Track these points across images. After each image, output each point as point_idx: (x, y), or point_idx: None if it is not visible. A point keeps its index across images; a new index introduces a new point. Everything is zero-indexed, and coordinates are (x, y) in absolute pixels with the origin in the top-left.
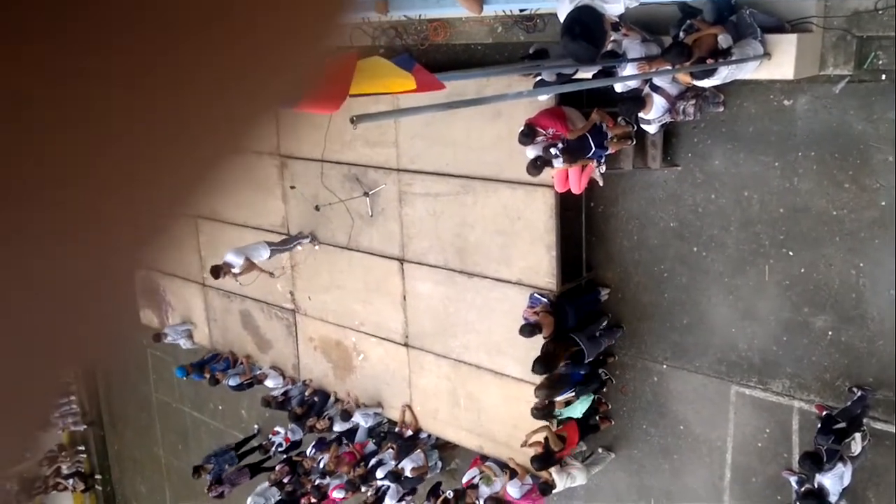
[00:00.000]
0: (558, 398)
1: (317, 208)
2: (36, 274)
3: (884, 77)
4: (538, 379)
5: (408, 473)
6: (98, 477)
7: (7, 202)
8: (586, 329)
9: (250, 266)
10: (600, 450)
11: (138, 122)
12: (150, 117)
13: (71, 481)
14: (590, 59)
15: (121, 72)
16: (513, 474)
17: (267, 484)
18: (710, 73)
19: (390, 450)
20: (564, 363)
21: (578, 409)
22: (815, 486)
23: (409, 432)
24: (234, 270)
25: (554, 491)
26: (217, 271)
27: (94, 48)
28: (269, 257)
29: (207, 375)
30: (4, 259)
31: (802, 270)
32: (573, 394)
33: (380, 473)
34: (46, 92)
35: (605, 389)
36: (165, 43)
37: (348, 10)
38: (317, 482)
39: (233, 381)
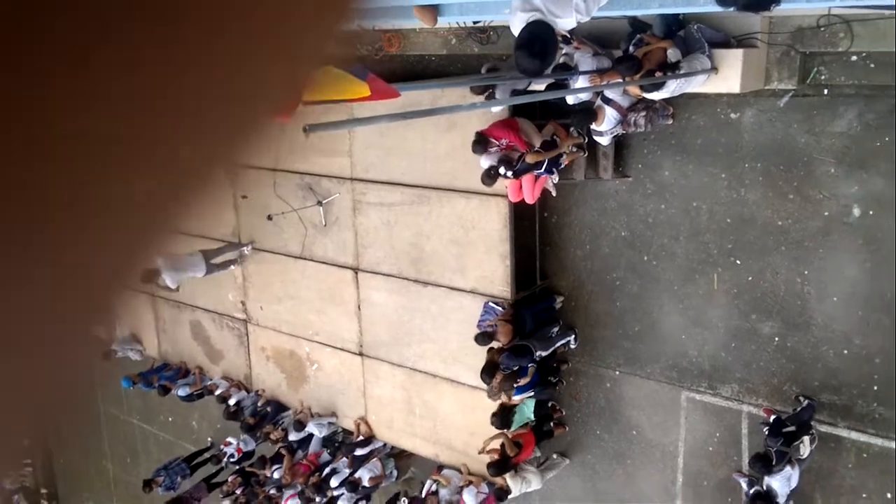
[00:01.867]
0: (516, 397)
1: (269, 218)
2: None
3: (826, 91)
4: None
5: (365, 483)
6: (44, 492)
7: None
8: (537, 334)
9: (179, 288)
10: (555, 455)
11: (126, 133)
12: (137, 126)
13: (15, 497)
14: (538, 74)
15: (109, 80)
16: (470, 477)
17: (220, 495)
18: (659, 85)
19: (345, 459)
20: (503, 354)
21: (528, 409)
22: (764, 488)
23: (360, 438)
24: (166, 284)
25: (510, 496)
26: (149, 276)
27: (83, 61)
28: (205, 275)
29: (157, 384)
30: None
31: (750, 279)
32: (531, 393)
33: (334, 482)
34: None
35: (556, 391)
36: (165, 45)
37: (351, 17)
38: (270, 492)
39: (182, 392)
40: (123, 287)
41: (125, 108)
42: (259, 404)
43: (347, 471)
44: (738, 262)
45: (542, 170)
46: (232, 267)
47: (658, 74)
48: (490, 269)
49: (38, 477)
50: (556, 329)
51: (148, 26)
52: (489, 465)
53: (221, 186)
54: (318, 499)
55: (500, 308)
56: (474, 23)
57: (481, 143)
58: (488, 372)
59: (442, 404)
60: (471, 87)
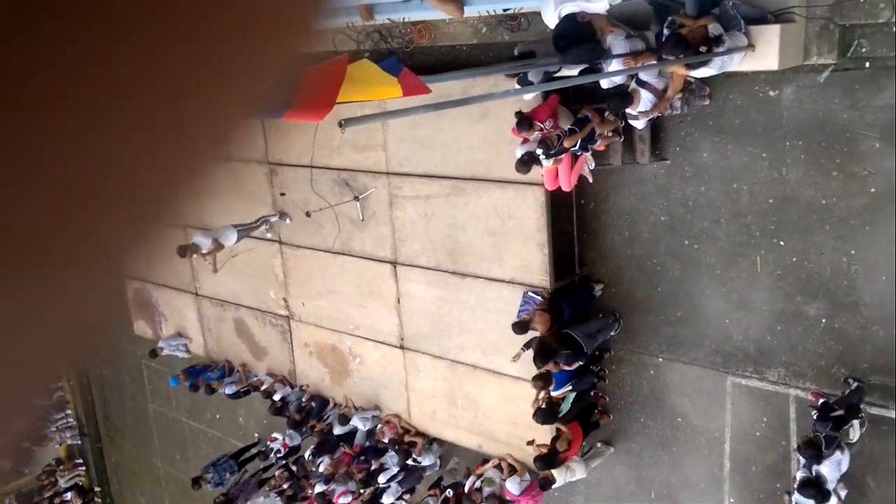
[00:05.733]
0: (556, 392)
1: (308, 214)
2: (22, 280)
3: (867, 64)
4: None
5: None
6: (97, 489)
7: None
8: (582, 326)
9: (218, 247)
10: (599, 444)
11: (118, 127)
12: (129, 123)
13: (69, 495)
14: (591, 58)
15: (101, 76)
16: (511, 471)
17: (267, 489)
18: (705, 63)
19: (393, 454)
20: (564, 352)
21: (569, 400)
22: (813, 474)
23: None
24: (202, 251)
25: (554, 486)
26: (184, 251)
27: (76, 52)
28: (237, 241)
29: (201, 387)
30: None
31: (794, 260)
32: (570, 388)
33: (382, 479)
34: (30, 95)
35: (601, 382)
36: (141, 47)
37: (323, 16)
38: (319, 489)
39: (229, 390)
40: (123, 272)
41: (107, 109)
42: (304, 399)
43: (396, 468)
44: (781, 243)
45: (577, 147)
46: (264, 227)
47: (702, 48)
48: (528, 258)
49: (92, 475)
50: (598, 324)
51: (124, 27)
52: (536, 459)
53: (210, 177)
54: (364, 491)
55: (539, 297)
56: (504, 10)
57: (525, 121)
58: (541, 356)
59: (483, 395)
60: (506, 74)
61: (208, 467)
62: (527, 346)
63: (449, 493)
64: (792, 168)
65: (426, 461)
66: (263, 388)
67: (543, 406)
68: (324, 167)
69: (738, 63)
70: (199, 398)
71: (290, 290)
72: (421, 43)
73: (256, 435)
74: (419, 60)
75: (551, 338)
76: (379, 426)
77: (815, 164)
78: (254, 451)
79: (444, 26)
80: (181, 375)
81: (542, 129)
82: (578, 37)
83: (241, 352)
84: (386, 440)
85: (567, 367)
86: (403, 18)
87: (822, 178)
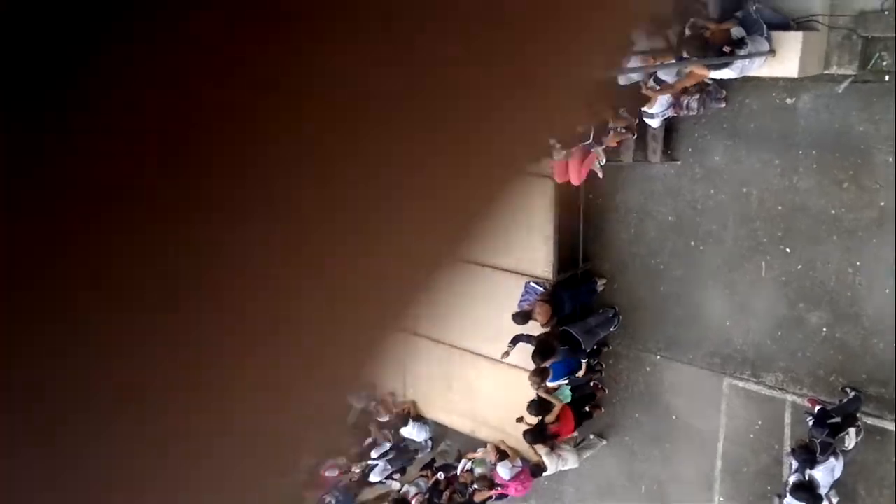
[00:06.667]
0: (552, 383)
1: None
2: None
3: (887, 78)
4: (532, 365)
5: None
6: None
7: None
8: (581, 322)
9: None
10: (592, 436)
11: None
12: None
13: None
14: None
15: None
16: (503, 456)
17: None
18: (726, 64)
19: (385, 431)
20: (562, 349)
21: (564, 395)
22: (806, 478)
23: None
24: None
25: (545, 474)
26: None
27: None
28: None
29: None
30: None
31: (799, 267)
32: (566, 381)
33: (374, 454)
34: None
35: (597, 375)
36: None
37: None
38: None
39: None
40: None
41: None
42: None
43: (388, 445)
44: (788, 250)
45: (589, 142)
46: None
47: (726, 49)
48: (533, 249)
49: None
50: (596, 319)
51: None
52: (525, 433)
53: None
54: (355, 468)
55: (541, 288)
56: None
57: None
58: (540, 354)
59: (480, 382)
60: None
61: None
62: (514, 342)
63: (440, 475)
64: (804, 177)
65: (422, 432)
66: None
67: (537, 398)
68: None
69: (757, 68)
70: None
71: None
72: None
73: None
74: None
75: (550, 336)
76: (373, 405)
77: (828, 174)
78: None
79: None
80: None
81: None
82: None
83: None
84: (383, 420)
85: (568, 370)
86: None
87: (834, 188)
